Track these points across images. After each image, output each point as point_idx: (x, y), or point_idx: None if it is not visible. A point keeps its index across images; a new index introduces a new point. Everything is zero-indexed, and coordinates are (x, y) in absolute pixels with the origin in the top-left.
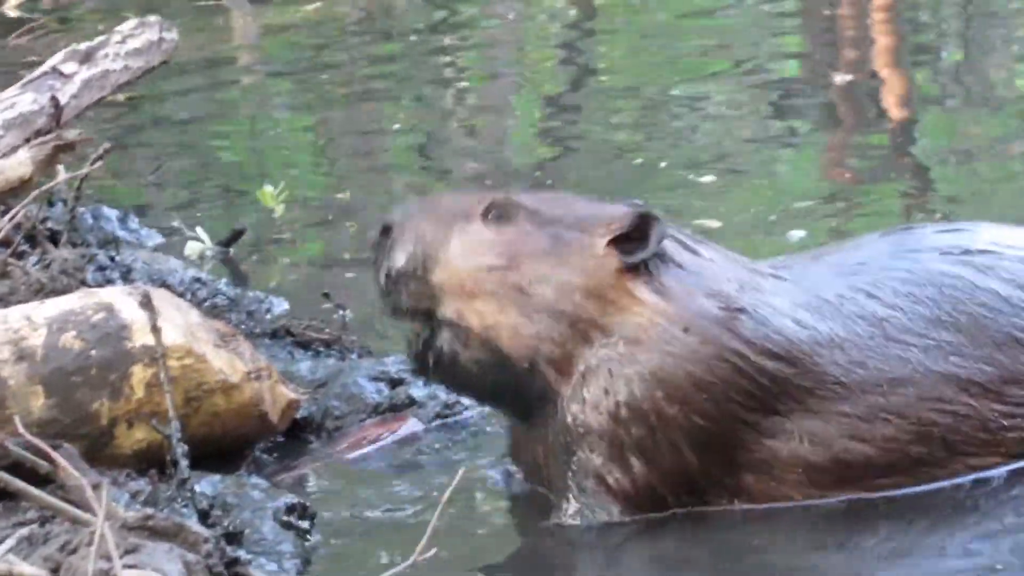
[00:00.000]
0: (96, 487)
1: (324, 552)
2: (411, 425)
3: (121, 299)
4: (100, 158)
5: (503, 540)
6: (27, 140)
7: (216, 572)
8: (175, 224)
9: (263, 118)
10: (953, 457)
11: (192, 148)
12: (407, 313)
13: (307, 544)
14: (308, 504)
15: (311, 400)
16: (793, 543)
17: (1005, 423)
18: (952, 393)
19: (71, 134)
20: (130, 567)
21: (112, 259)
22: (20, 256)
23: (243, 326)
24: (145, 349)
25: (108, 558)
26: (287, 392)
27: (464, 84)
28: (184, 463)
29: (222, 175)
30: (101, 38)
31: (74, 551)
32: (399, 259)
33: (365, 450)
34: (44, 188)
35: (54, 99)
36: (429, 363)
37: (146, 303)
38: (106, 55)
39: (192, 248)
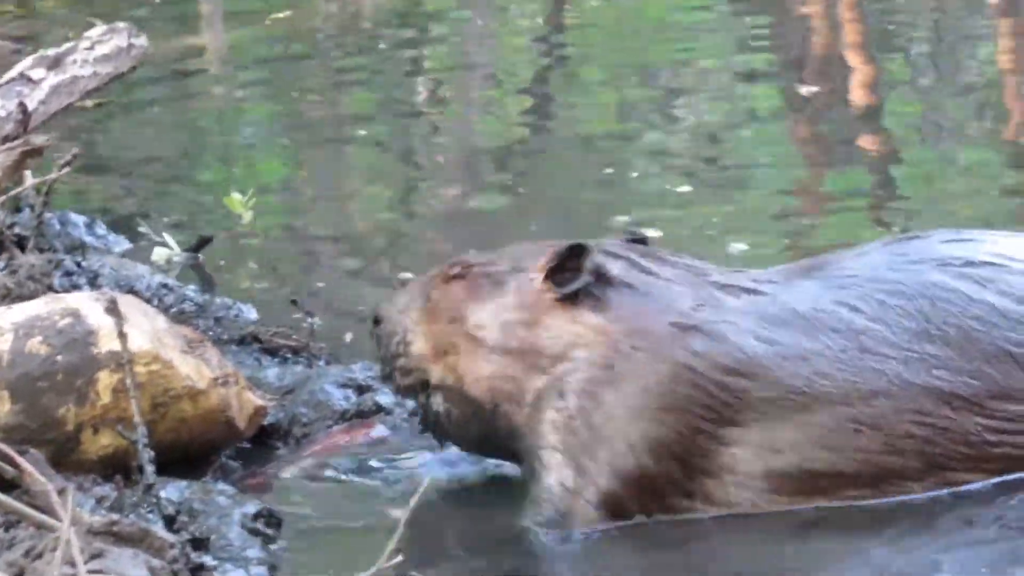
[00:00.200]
0: (62, 492)
1: (290, 558)
2: (378, 431)
3: (88, 305)
4: (68, 163)
5: (470, 547)
6: None
7: None
8: (142, 230)
9: (232, 124)
10: (931, 471)
11: (160, 154)
12: (408, 389)
13: (273, 550)
14: (275, 510)
15: (278, 406)
16: (764, 550)
17: (990, 438)
18: (932, 406)
19: (39, 139)
20: (95, 572)
21: (79, 265)
22: None
23: (210, 332)
24: (112, 355)
25: (73, 563)
26: (254, 398)
27: (433, 79)
28: (150, 469)
29: (190, 181)
30: (70, 44)
31: (39, 556)
32: (386, 343)
33: (332, 456)
34: (11, 193)
35: (22, 105)
36: (434, 428)
37: (112, 309)
38: (75, 61)
39: (159, 254)
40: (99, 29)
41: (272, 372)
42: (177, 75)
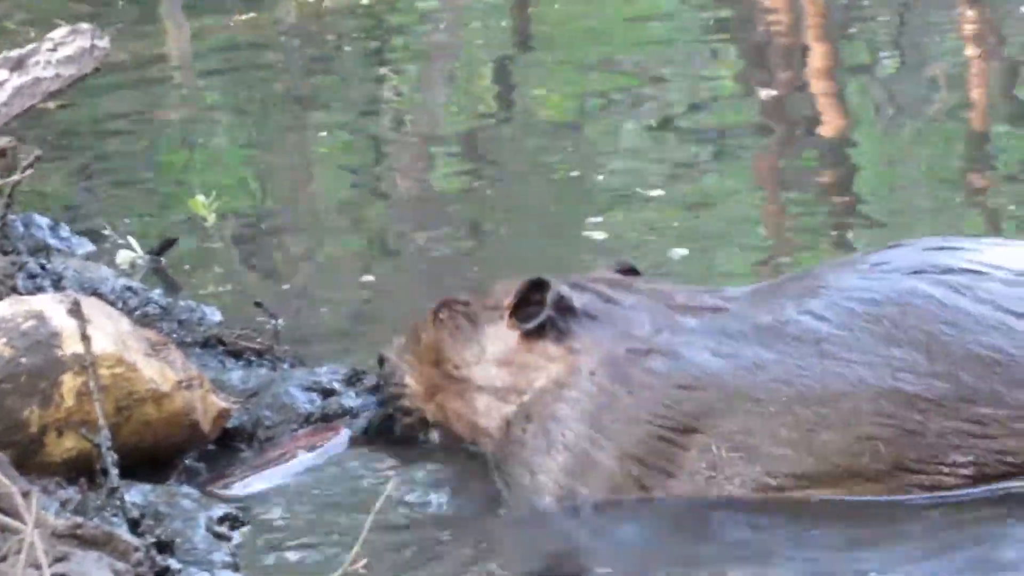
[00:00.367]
0: (26, 495)
1: (255, 561)
2: (343, 435)
3: (52, 307)
4: (30, 165)
5: (434, 550)
6: None
7: None
8: (106, 232)
9: (195, 126)
10: (895, 472)
11: (124, 156)
12: (411, 428)
13: (238, 553)
14: (239, 514)
15: (243, 409)
16: (755, 537)
17: (956, 441)
18: (895, 408)
19: (1, 141)
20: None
21: (43, 267)
22: None
23: (174, 335)
24: (75, 357)
25: (37, 566)
26: (218, 401)
27: (399, 76)
28: (114, 472)
29: (154, 184)
30: (32, 45)
31: (3, 559)
32: (388, 384)
33: (297, 459)
34: None
35: None
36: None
37: (76, 311)
38: (37, 62)
39: (123, 257)
40: (62, 30)
41: (236, 375)
42: (141, 77)
